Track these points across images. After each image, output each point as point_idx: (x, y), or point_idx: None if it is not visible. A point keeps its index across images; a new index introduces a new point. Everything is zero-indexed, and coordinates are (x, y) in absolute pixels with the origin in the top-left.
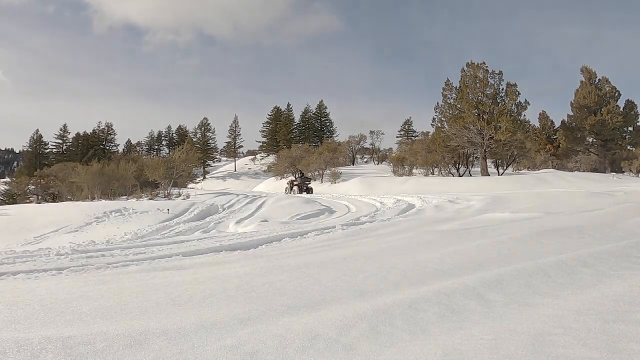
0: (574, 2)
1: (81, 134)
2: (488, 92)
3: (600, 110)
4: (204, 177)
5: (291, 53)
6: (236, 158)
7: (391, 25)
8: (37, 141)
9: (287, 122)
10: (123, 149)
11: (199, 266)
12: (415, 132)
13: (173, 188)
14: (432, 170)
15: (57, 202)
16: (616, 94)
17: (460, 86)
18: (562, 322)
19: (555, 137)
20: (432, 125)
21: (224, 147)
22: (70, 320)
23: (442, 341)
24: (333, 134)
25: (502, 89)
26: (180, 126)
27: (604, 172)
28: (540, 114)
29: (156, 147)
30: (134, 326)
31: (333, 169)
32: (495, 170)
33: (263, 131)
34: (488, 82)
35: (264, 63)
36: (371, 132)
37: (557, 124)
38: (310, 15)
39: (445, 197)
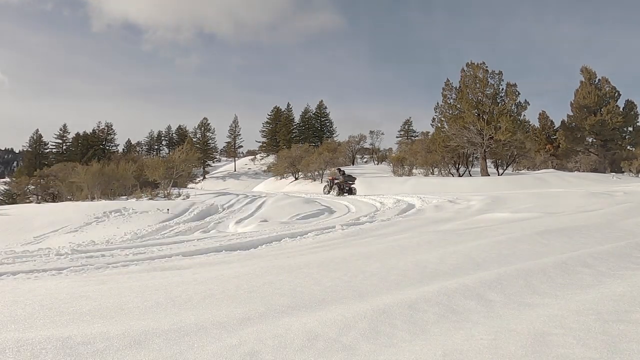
0: (573, 1)
1: (81, 134)
2: (488, 92)
3: (600, 110)
4: (204, 177)
5: (291, 52)
6: (236, 158)
7: (391, 24)
8: (37, 141)
9: (287, 122)
10: (123, 149)
11: (199, 266)
12: (415, 132)
13: (173, 188)
14: (432, 170)
15: (57, 202)
16: (616, 94)
17: (460, 86)
18: (562, 322)
19: (555, 137)
20: (432, 125)
21: (223, 147)
22: (70, 320)
23: (442, 341)
24: (333, 134)
25: (502, 89)
26: (180, 126)
27: (604, 172)
28: (540, 114)
29: (156, 147)
30: (133, 326)
31: (333, 169)
32: (495, 171)
33: (263, 131)
34: (488, 82)
35: (264, 62)
36: (371, 132)
37: (557, 124)
38: (312, 13)
39: (445, 197)
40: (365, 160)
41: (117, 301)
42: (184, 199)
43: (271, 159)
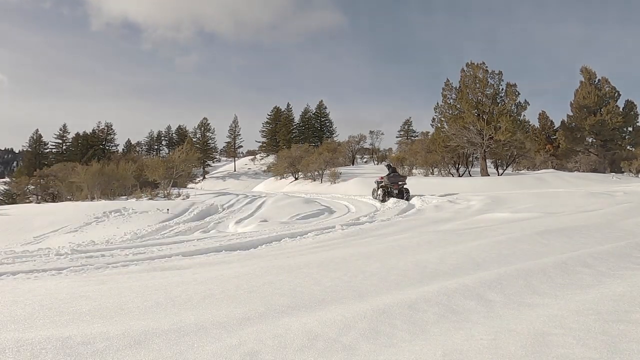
0: (573, 0)
1: (81, 134)
2: (488, 92)
3: (600, 110)
4: (204, 177)
5: (292, 52)
6: (236, 158)
7: (391, 24)
8: (37, 141)
9: (286, 122)
10: (123, 149)
11: (199, 266)
12: (415, 132)
13: (173, 188)
14: (432, 170)
15: (57, 202)
16: (616, 94)
17: (460, 86)
18: (562, 322)
19: (554, 137)
20: (432, 125)
21: (223, 147)
22: (70, 320)
23: (442, 341)
24: (333, 134)
25: (502, 89)
26: (180, 126)
27: (604, 173)
28: (539, 114)
29: (156, 147)
30: (133, 326)
31: (333, 169)
32: (494, 171)
33: (263, 131)
34: (488, 82)
35: (264, 62)
36: (371, 132)
37: (557, 124)
38: (312, 12)
39: (445, 197)
40: (365, 160)
41: (117, 301)
42: (183, 199)
43: (271, 159)
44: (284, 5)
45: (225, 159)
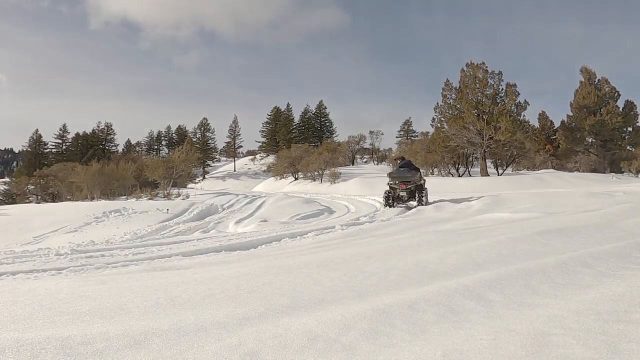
0: (573, 0)
1: (81, 134)
2: (488, 93)
3: (600, 110)
4: (204, 177)
5: (292, 52)
6: (236, 158)
7: (391, 24)
8: (37, 141)
9: (286, 122)
10: (123, 149)
11: (199, 266)
12: (415, 132)
13: (173, 188)
14: (432, 170)
15: (57, 202)
16: (616, 95)
17: (459, 86)
18: (561, 322)
19: (554, 137)
20: (432, 125)
21: (223, 147)
22: (70, 320)
23: (442, 341)
24: (333, 134)
25: (502, 89)
26: (179, 126)
27: (604, 173)
28: (539, 114)
29: (156, 147)
30: (133, 326)
31: (332, 169)
32: (494, 171)
33: (263, 131)
34: (488, 82)
35: (264, 62)
36: (371, 132)
37: (557, 124)
38: (313, 10)
39: (445, 197)
40: (365, 160)
41: (116, 301)
42: (183, 199)
43: (271, 159)
44: (285, 4)
45: (225, 159)
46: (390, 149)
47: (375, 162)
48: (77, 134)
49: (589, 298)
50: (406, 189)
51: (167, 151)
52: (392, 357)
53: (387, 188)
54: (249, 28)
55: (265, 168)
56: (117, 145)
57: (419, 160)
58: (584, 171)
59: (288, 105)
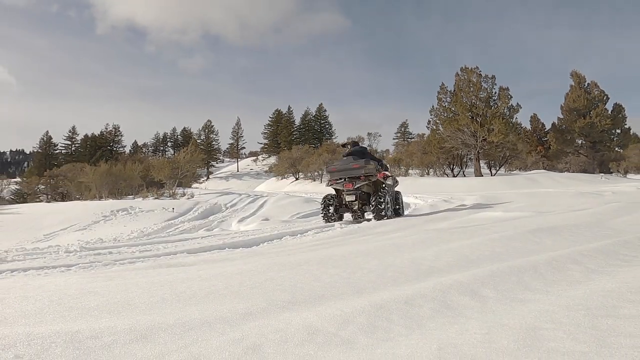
0: (564, 5)
1: (89, 136)
2: (481, 96)
3: (590, 113)
4: (208, 177)
5: (293, 55)
6: (239, 159)
7: (389, 30)
8: (47, 142)
9: (287, 125)
10: (130, 150)
11: (203, 263)
12: (411, 134)
13: (178, 188)
14: (428, 170)
15: (66, 201)
16: (605, 98)
17: (454, 90)
18: (552, 317)
19: (545, 139)
20: (428, 127)
21: (227, 148)
22: (79, 315)
23: (437, 335)
24: (332, 135)
25: (495, 93)
26: (184, 128)
27: (593, 173)
28: (531, 117)
29: (161, 148)
30: (140, 321)
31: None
32: (488, 171)
33: (265, 133)
34: (481, 86)
35: (267, 65)
36: (369, 133)
37: (548, 126)
38: (315, 14)
39: (440, 196)
40: None
41: (124, 297)
42: (188, 199)
43: (272, 159)
44: (288, 8)
45: (228, 159)
46: (387, 150)
47: None
48: (86, 136)
49: (579, 294)
50: (354, 192)
51: (172, 152)
52: (390, 351)
53: (330, 191)
54: (253, 32)
55: (267, 168)
56: (125, 146)
57: (415, 161)
58: (574, 172)
59: (289, 108)
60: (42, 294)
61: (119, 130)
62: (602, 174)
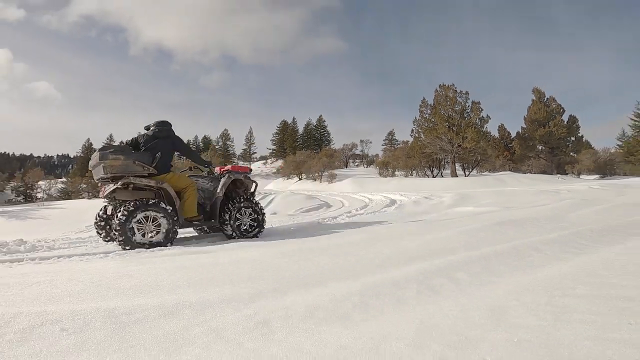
0: (526, 30)
1: (124, 142)
2: (457, 109)
3: (548, 123)
4: None
5: (298, 73)
6: (251, 162)
7: (378, 52)
8: (88, 148)
9: (292, 133)
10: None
11: (221, 251)
12: (397, 141)
13: None
14: (411, 172)
15: None
16: (561, 110)
17: (434, 103)
18: (516, 296)
19: (511, 145)
20: (411, 135)
21: (241, 152)
22: (115, 295)
23: (420, 312)
24: (330, 142)
25: (468, 106)
26: (205, 136)
27: (551, 174)
28: (499, 126)
29: None
30: (167, 299)
31: (330, 171)
32: (462, 172)
33: (273, 140)
34: (457, 100)
35: (275, 81)
36: (361, 141)
37: (513, 134)
38: (317, 38)
39: (422, 194)
40: (356, 164)
41: (153, 279)
42: None
43: (280, 163)
44: (294, 32)
45: (242, 162)
46: (377, 155)
47: (365, 166)
48: (121, 142)
49: (539, 277)
50: (111, 200)
51: None
52: (380, 325)
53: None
54: (264, 53)
55: (275, 170)
56: None
57: (400, 164)
58: (535, 173)
59: (293, 118)
60: (84, 276)
61: None
62: (559, 175)
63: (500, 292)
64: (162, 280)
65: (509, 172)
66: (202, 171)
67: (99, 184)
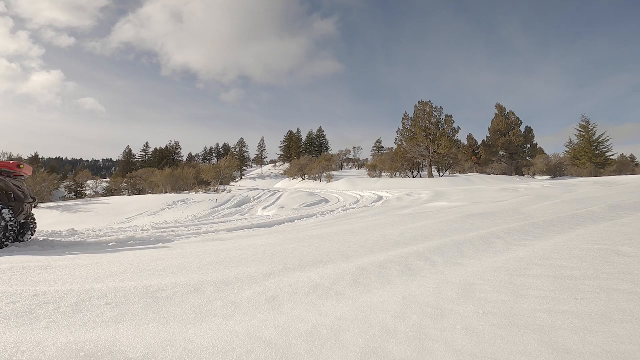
0: (491, 56)
1: (158, 149)
2: (433, 121)
3: (508, 133)
4: (241, 178)
5: (302, 91)
6: (262, 165)
7: (368, 73)
8: (128, 153)
9: (297, 141)
10: (186, 159)
11: (238, 238)
12: (383, 147)
13: (220, 185)
14: (395, 173)
15: (142, 195)
16: (519, 122)
17: (414, 117)
18: (482, 276)
19: (478, 151)
20: (395, 143)
21: (254, 157)
22: (151, 275)
23: (402, 289)
24: (328, 149)
25: (443, 119)
26: (224, 143)
27: (511, 175)
28: (468, 136)
29: (208, 157)
30: (193, 279)
31: (328, 172)
32: (437, 174)
33: (280, 147)
34: (433, 114)
35: (282, 98)
36: (354, 147)
37: (480, 142)
38: (318, 61)
39: (404, 192)
40: (350, 167)
41: (182, 262)
42: (227, 193)
43: (286, 166)
44: (299, 57)
45: (255, 165)
46: (367, 159)
47: (357, 168)
48: (155, 149)
49: (501, 260)
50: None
51: (216, 160)
52: (369, 299)
53: None
54: (273, 74)
55: (283, 172)
56: (183, 156)
57: (386, 167)
58: (498, 174)
59: (298, 129)
60: (125, 259)
61: (179, 145)
62: (518, 176)
63: (469, 272)
64: (189, 263)
65: (476, 173)
66: None
67: None
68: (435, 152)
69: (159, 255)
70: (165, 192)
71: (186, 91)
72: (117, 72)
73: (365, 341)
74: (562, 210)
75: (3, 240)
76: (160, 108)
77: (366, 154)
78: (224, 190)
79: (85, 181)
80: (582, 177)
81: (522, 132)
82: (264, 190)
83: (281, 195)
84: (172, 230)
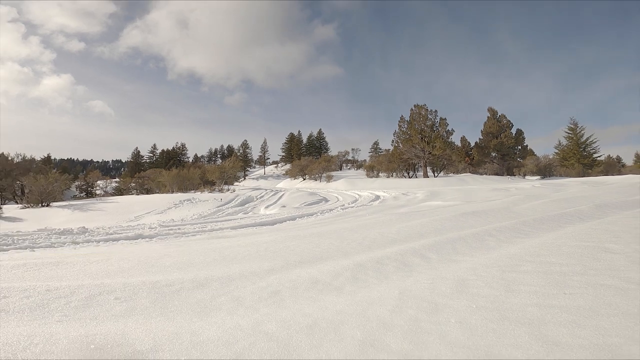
0: (482, 61)
1: (165, 150)
2: (428, 123)
3: (500, 135)
4: (244, 178)
5: (303, 95)
6: (265, 166)
7: (365, 77)
8: (136, 154)
9: (298, 143)
10: (192, 160)
11: (241, 236)
12: (381, 149)
13: (224, 185)
14: (392, 174)
15: (149, 194)
16: (510, 125)
17: (410, 119)
18: (475, 272)
19: (471, 152)
20: (392, 144)
21: (257, 158)
22: (158, 271)
23: (399, 284)
24: (328, 150)
25: (437, 122)
26: (229, 145)
27: (503, 176)
28: (461, 138)
29: (213, 158)
30: (199, 274)
31: (328, 173)
32: (432, 174)
33: (282, 148)
34: (428, 117)
35: (284, 101)
36: (352, 149)
37: (472, 143)
38: (318, 65)
39: (400, 191)
40: (348, 167)
41: (188, 258)
42: (231, 192)
43: (288, 166)
44: (300, 61)
45: (258, 166)
46: (365, 160)
47: (355, 169)
48: (163, 150)
49: (493, 256)
50: None
51: (221, 161)
52: (366, 294)
53: None
54: (275, 78)
55: (284, 172)
56: (188, 157)
57: (383, 167)
58: (490, 175)
59: (299, 131)
60: (133, 256)
61: (185, 146)
62: (509, 176)
63: (463, 268)
64: (195, 259)
65: (469, 174)
66: None
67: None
68: (430, 153)
69: (165, 252)
70: (172, 192)
71: (191, 94)
72: (125, 76)
73: (364, 334)
74: (551, 208)
75: None
76: (167, 111)
77: (364, 155)
78: (228, 189)
79: (96, 181)
80: (570, 177)
81: (513, 134)
82: (266, 189)
83: (283, 194)
84: (179, 228)
